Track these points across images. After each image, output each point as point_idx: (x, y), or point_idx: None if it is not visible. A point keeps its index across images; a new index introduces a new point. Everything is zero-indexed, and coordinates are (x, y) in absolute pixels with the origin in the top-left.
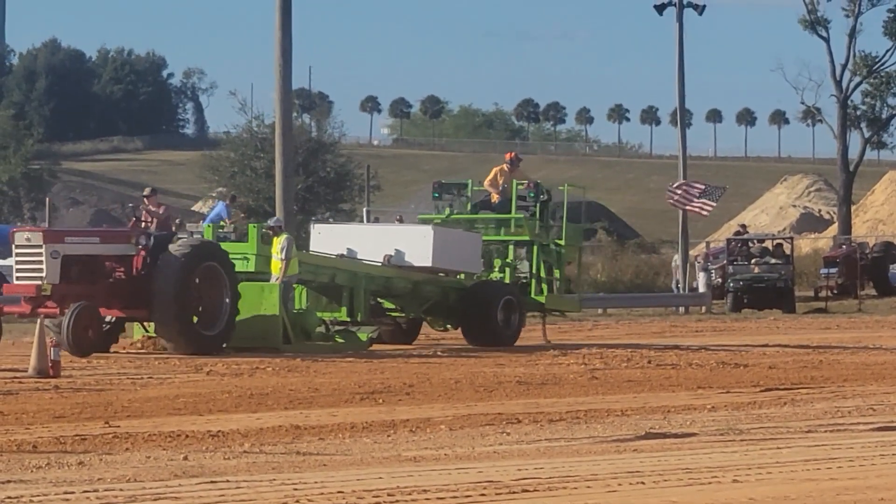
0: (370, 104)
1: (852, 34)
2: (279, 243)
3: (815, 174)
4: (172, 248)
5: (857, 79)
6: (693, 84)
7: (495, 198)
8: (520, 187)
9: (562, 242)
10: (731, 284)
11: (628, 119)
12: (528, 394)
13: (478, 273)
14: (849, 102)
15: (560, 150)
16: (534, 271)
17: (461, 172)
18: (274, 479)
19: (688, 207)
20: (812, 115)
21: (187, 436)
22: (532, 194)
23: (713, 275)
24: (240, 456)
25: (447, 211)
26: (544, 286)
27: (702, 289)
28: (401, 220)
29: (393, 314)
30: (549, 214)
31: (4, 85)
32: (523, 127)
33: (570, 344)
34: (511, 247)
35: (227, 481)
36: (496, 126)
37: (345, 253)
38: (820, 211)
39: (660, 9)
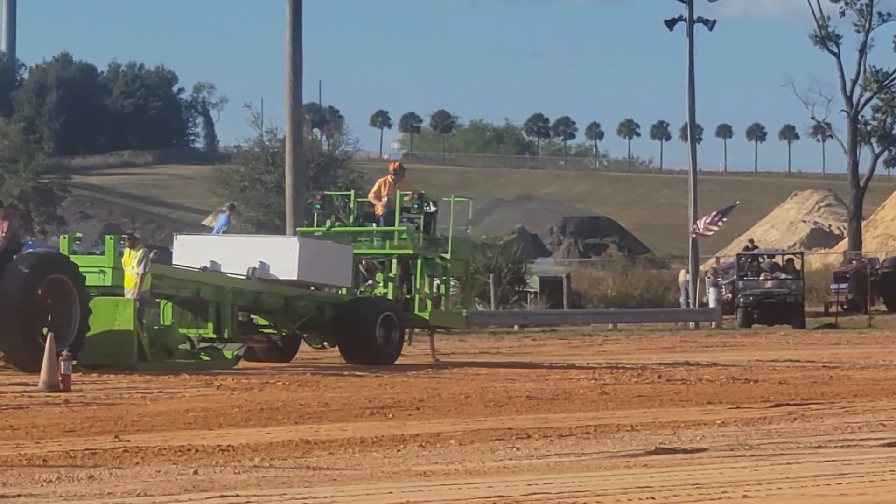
0: (380, 119)
1: (863, 49)
2: (135, 257)
3: (826, 189)
4: (17, 259)
5: (868, 94)
6: (703, 99)
7: (379, 210)
8: (404, 199)
9: (448, 256)
10: (742, 300)
11: (639, 134)
12: (538, 409)
13: (347, 287)
14: (859, 118)
15: (570, 164)
16: (417, 286)
17: (471, 187)
18: (284, 494)
19: (705, 234)
20: (822, 130)
21: (197, 450)
22: (416, 206)
23: (723, 290)
24: (250, 470)
25: (328, 223)
26: (428, 302)
27: (712, 304)
28: None
29: (266, 331)
30: (434, 227)
31: (15, 99)
32: (533, 142)
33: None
34: (394, 261)
35: (237, 496)
36: (506, 141)
37: (208, 266)
38: (830, 226)
39: (670, 24)
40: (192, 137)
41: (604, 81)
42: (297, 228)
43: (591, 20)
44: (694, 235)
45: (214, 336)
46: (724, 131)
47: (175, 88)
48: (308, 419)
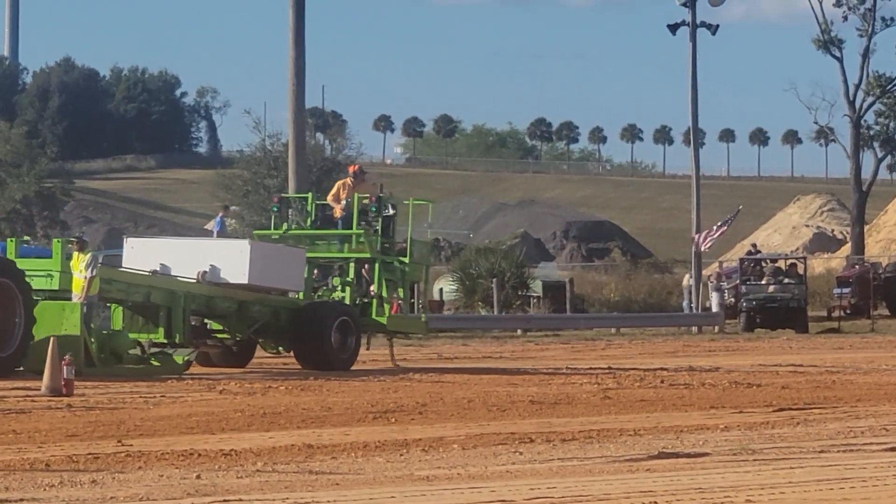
0: (383, 123)
1: (866, 54)
2: (83, 260)
3: (828, 194)
4: None
5: (871, 99)
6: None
7: (337, 212)
8: (363, 202)
9: (406, 260)
10: (744, 304)
11: (641, 139)
12: (541, 413)
13: (301, 291)
14: (862, 122)
15: (573, 169)
16: (375, 290)
17: (474, 191)
18: (286, 499)
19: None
20: (825, 134)
21: (200, 454)
22: (374, 209)
23: (726, 294)
24: (252, 475)
25: (285, 226)
26: (386, 306)
27: (715, 308)
28: None
29: (219, 335)
30: (393, 230)
31: (18, 103)
32: (536, 146)
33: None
34: (351, 264)
35: (240, 500)
36: (509, 145)
37: (158, 269)
38: (833, 231)
39: (673, 28)
40: (195, 142)
41: (607, 86)
42: (254, 231)
43: (593, 24)
44: (696, 248)
45: (165, 341)
46: (727, 136)
47: (178, 93)
48: (311, 423)
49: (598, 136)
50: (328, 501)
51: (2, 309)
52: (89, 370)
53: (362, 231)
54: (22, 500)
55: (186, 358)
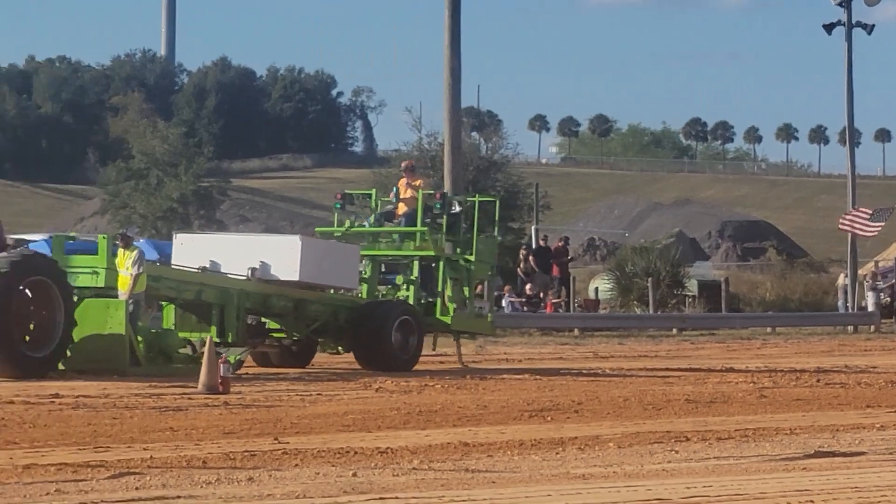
0: (538, 123)
1: None
2: (128, 257)
3: None
4: None
5: None
6: (862, 103)
7: (401, 209)
8: (428, 199)
9: (472, 258)
10: None
11: (797, 138)
12: (697, 412)
13: (354, 288)
14: None
15: (728, 169)
16: (439, 289)
17: (629, 191)
18: (443, 497)
19: (858, 232)
20: None
21: (356, 452)
22: (439, 206)
23: (882, 294)
24: (408, 473)
25: (347, 223)
26: (450, 306)
27: (871, 308)
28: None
29: (276, 335)
30: (459, 227)
31: (175, 103)
32: (691, 146)
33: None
34: (415, 263)
35: (396, 498)
36: (664, 145)
37: (207, 266)
38: None
39: (828, 28)
40: (351, 141)
41: (762, 85)
42: (316, 228)
43: (748, 24)
44: (847, 230)
45: (218, 340)
46: (883, 135)
47: (334, 92)
48: (466, 422)
49: (753, 135)
50: (484, 499)
51: (42, 308)
52: (134, 370)
53: (425, 228)
54: (179, 497)
55: (238, 357)
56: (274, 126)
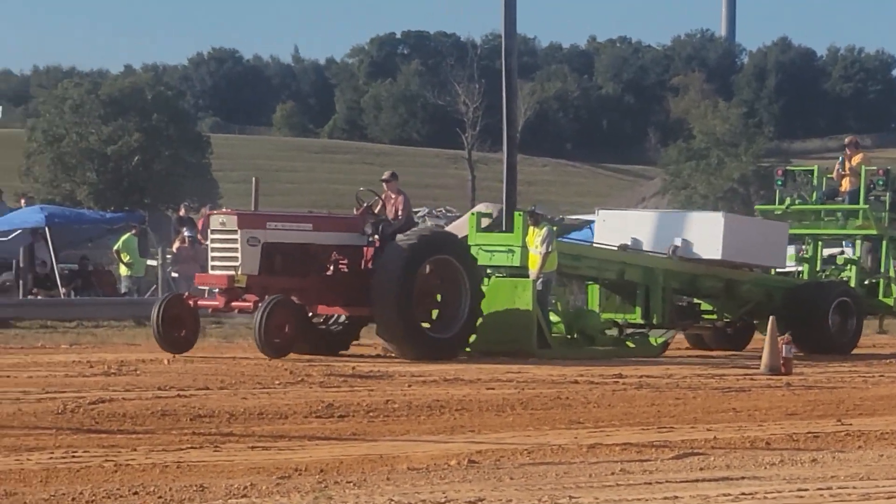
0: None
1: None
2: (538, 235)
3: None
4: (399, 238)
5: None
6: None
7: (845, 186)
8: (871, 176)
9: None
10: None
11: None
12: None
13: (781, 268)
14: None
15: None
16: (882, 270)
17: None
18: None
19: None
20: None
21: None
22: (882, 182)
23: None
24: None
25: (788, 201)
26: (894, 287)
27: None
28: None
29: (707, 317)
30: None
31: (735, 83)
32: None
33: None
34: (858, 242)
35: None
36: None
37: (628, 243)
38: None
39: None
40: None
41: None
42: (756, 206)
43: None
44: None
45: (642, 322)
46: None
47: (895, 72)
48: None
49: None
50: None
51: (446, 288)
52: (542, 352)
53: (867, 206)
54: (743, 478)
55: (662, 340)
56: (833, 106)
